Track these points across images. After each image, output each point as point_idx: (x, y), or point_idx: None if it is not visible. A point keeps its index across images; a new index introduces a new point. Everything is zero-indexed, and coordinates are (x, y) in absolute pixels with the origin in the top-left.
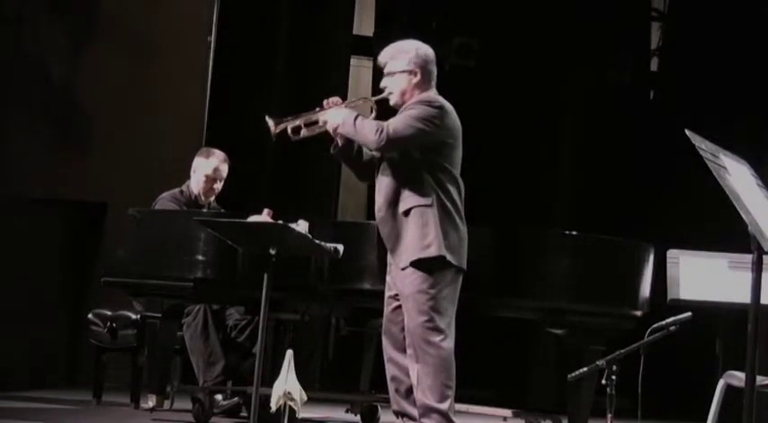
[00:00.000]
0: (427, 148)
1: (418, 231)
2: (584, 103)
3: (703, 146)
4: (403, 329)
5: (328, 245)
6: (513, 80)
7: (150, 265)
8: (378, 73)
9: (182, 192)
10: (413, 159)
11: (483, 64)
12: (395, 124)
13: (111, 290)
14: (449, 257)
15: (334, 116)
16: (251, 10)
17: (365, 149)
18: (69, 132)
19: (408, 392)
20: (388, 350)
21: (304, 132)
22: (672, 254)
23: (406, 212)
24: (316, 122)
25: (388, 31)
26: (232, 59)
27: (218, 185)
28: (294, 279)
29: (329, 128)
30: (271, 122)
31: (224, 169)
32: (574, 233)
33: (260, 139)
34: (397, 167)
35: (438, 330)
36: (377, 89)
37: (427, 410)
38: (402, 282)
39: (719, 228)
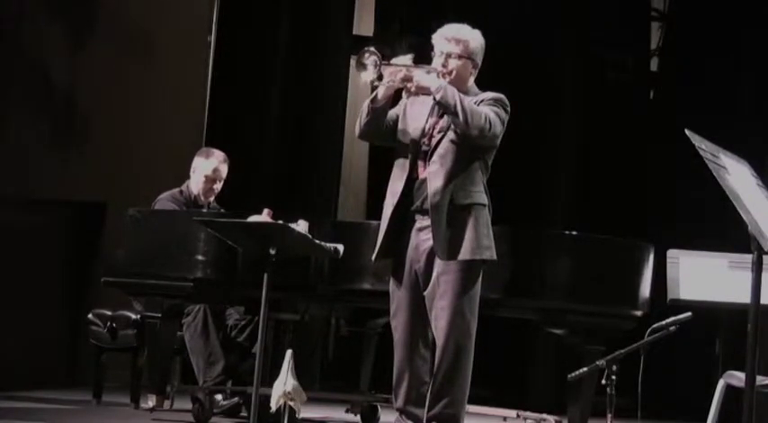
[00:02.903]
0: (488, 148)
1: (477, 231)
2: (584, 102)
3: (703, 146)
4: (425, 329)
5: (328, 245)
6: (513, 80)
7: (150, 265)
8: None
9: (181, 192)
10: (474, 155)
11: (483, 63)
12: (493, 121)
13: (111, 290)
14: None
15: (429, 79)
16: (251, 10)
17: (390, 115)
18: (69, 132)
19: (417, 394)
20: (409, 349)
21: (387, 82)
22: (672, 254)
23: (464, 208)
24: (401, 73)
25: (388, 31)
26: (232, 59)
27: (218, 186)
28: (294, 279)
29: (419, 83)
30: (381, 62)
31: (223, 169)
32: (574, 233)
33: (260, 139)
34: (458, 158)
35: (471, 334)
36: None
37: (439, 414)
38: (446, 276)
39: (719, 228)
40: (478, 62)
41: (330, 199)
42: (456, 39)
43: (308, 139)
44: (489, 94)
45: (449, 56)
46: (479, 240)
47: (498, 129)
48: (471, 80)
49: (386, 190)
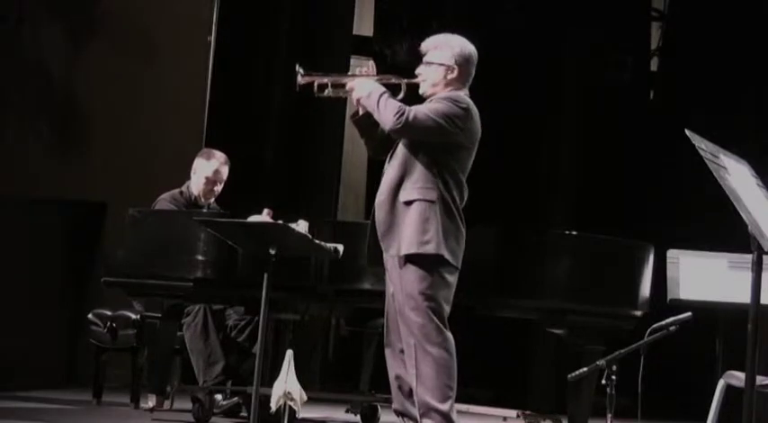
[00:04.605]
0: (442, 147)
1: (419, 226)
2: (583, 103)
3: (703, 146)
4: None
5: (328, 245)
6: (513, 79)
7: (150, 265)
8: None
9: (181, 193)
10: (426, 154)
11: (483, 63)
12: (416, 112)
13: (111, 290)
14: (447, 256)
15: (362, 86)
16: (251, 10)
17: None
18: (69, 132)
19: (411, 392)
20: (392, 349)
21: (328, 92)
22: (672, 254)
23: (408, 203)
24: (342, 86)
25: (387, 31)
26: (232, 59)
27: (219, 187)
28: (294, 279)
29: (353, 96)
30: (300, 71)
31: (224, 171)
32: (574, 233)
33: (260, 139)
34: (409, 157)
35: (439, 330)
36: None
37: (428, 410)
38: (399, 278)
39: (719, 228)
40: (456, 68)
41: (330, 199)
42: (433, 46)
43: (308, 139)
44: (440, 94)
45: (422, 62)
46: (418, 235)
47: (426, 122)
48: (455, 86)
49: None
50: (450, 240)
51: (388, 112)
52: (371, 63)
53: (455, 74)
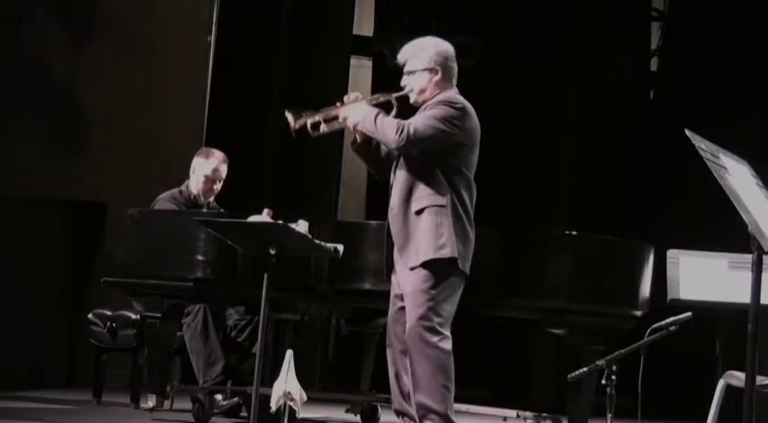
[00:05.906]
0: (444, 150)
1: (432, 231)
2: (584, 103)
3: (703, 146)
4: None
5: (328, 245)
6: (514, 80)
7: (150, 265)
8: (377, 72)
9: (181, 192)
10: (429, 159)
11: (483, 63)
12: (415, 124)
13: (111, 290)
14: (459, 261)
15: (355, 113)
16: (251, 10)
17: (383, 146)
18: (69, 132)
19: (411, 392)
20: (393, 349)
21: (324, 128)
22: (672, 254)
23: (419, 211)
24: (335, 118)
25: (388, 31)
26: (232, 59)
27: (218, 186)
28: (294, 279)
29: (349, 124)
30: (290, 118)
31: (223, 170)
32: (574, 233)
33: (260, 139)
34: (413, 166)
35: (435, 331)
36: (376, 90)
37: (426, 411)
38: (406, 280)
39: (720, 228)
40: (438, 68)
41: (330, 199)
42: (410, 55)
43: (309, 139)
44: (435, 98)
45: (404, 74)
46: (433, 241)
47: (427, 131)
48: (443, 87)
49: (386, 190)
50: (460, 244)
51: (387, 131)
52: (357, 94)
53: (439, 75)
